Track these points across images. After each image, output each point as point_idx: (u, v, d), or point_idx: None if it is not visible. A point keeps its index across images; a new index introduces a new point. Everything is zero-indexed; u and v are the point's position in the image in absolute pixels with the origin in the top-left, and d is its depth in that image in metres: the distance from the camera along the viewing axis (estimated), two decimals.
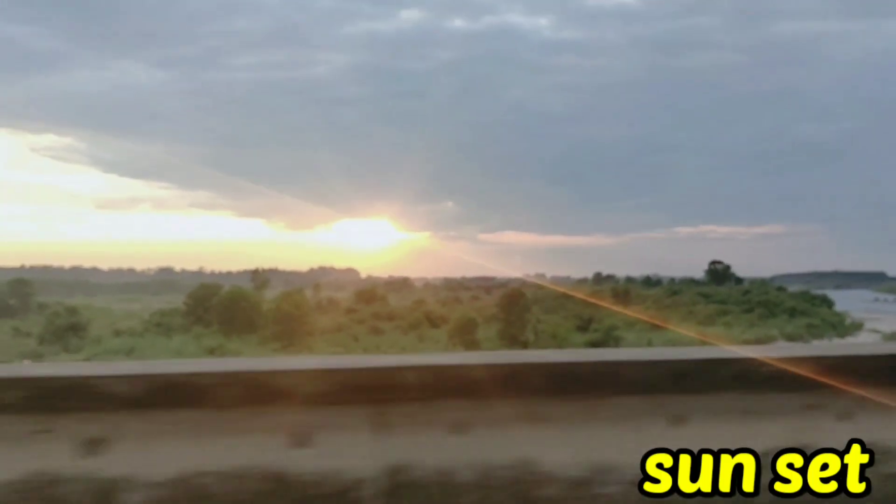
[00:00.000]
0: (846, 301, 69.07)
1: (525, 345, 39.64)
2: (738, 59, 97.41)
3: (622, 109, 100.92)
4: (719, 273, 63.52)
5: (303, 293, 51.16)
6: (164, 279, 66.34)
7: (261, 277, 49.38)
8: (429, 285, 72.38)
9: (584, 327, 40.29)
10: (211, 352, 33.80)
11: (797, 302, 46.63)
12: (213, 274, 63.69)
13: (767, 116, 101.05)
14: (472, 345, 37.76)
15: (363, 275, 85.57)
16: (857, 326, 44.58)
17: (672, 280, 68.01)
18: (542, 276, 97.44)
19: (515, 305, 39.04)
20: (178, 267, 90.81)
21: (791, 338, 42.17)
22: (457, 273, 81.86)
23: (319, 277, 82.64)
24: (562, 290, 62.22)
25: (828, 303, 53.79)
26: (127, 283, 64.52)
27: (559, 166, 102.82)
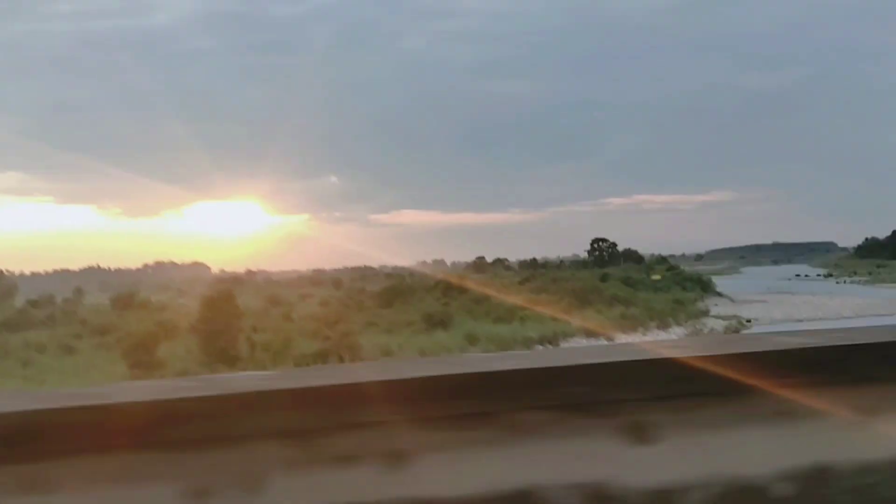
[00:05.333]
0: (758, 277, 60.60)
1: (236, 360, 31.55)
2: (671, 1, 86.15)
3: (541, 61, 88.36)
4: (604, 253, 54.58)
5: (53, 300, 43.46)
6: None
7: (3, 284, 41.75)
8: (274, 282, 62.72)
9: (318, 333, 32.16)
10: None
11: (620, 288, 37.88)
12: (11, 276, 56.22)
13: (708, 66, 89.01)
14: (148, 367, 29.68)
15: (215, 269, 74.16)
16: (695, 315, 35.69)
17: (561, 261, 59.13)
18: (440, 262, 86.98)
19: (221, 312, 30.90)
20: None
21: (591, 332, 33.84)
22: (341, 262, 71.67)
23: (154, 276, 72.81)
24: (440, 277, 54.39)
25: (703, 284, 45.09)
26: None
27: (466, 131, 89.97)
